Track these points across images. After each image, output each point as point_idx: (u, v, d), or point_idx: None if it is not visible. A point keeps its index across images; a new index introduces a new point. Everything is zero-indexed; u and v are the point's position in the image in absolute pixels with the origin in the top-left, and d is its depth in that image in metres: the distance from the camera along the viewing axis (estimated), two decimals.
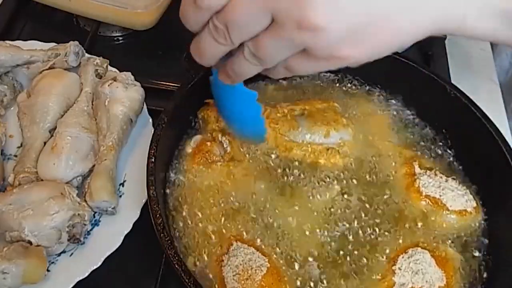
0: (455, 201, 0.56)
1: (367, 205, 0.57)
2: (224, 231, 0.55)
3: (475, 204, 0.57)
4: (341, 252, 0.54)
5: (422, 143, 0.64)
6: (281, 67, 0.40)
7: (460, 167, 0.62)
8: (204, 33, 0.39)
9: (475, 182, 0.60)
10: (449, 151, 0.63)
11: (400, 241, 0.54)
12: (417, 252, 0.53)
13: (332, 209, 0.57)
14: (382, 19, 0.36)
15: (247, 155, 0.61)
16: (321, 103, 0.64)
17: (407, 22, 0.37)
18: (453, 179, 0.59)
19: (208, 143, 0.61)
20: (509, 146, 0.56)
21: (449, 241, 0.55)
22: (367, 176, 0.60)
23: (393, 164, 0.61)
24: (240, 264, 0.51)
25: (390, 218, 0.56)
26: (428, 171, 0.59)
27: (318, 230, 0.55)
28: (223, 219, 0.56)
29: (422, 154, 0.63)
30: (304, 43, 0.36)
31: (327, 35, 0.35)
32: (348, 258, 0.53)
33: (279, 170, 0.59)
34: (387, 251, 0.54)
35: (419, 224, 0.56)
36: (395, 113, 0.66)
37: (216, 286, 0.51)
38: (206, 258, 0.53)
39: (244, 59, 0.40)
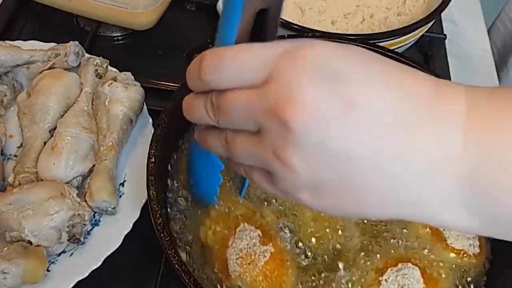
0: (457, 240, 0.54)
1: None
2: (232, 208, 0.55)
3: (478, 250, 0.55)
4: (336, 248, 0.54)
5: None
6: (242, 168, 0.38)
7: None
8: (199, 98, 0.37)
9: None
10: None
11: (393, 251, 0.54)
12: (407, 267, 0.52)
13: None
14: (353, 188, 0.33)
15: None
16: None
17: (376, 201, 0.34)
18: None
19: None
20: None
21: (444, 266, 0.54)
22: None
23: None
24: (244, 248, 0.51)
25: (391, 230, 0.55)
26: None
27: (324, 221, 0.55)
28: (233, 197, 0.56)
29: None
30: (271, 168, 0.34)
31: (295, 176, 0.33)
32: (339, 257, 0.53)
33: None
34: (378, 259, 0.53)
35: (417, 244, 0.55)
36: None
37: (219, 267, 0.51)
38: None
39: (218, 139, 0.38)
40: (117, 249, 0.59)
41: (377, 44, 0.67)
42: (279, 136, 0.32)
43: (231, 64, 0.33)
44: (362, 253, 0.54)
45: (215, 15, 0.82)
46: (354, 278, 0.52)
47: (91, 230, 0.62)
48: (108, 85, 0.68)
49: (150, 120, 0.71)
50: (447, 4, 0.80)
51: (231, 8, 0.36)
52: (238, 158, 0.37)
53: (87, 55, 0.76)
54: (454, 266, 0.54)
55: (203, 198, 0.56)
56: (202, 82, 0.35)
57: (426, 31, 0.84)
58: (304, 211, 0.55)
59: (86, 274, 0.57)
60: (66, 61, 0.73)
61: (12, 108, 0.73)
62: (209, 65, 0.34)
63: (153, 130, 0.56)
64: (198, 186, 0.55)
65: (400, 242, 0.55)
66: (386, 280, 0.51)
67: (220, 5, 0.82)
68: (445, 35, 0.91)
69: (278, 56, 0.32)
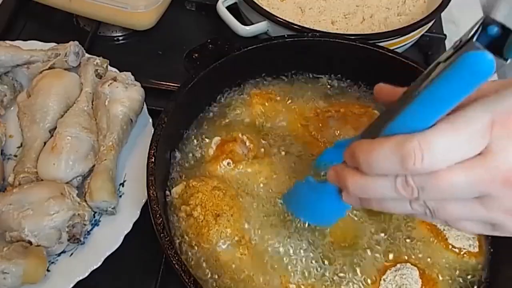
0: (457, 240, 0.55)
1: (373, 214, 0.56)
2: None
3: (477, 250, 0.55)
4: (335, 249, 0.54)
5: None
6: (443, 221, 0.40)
7: None
8: (383, 180, 0.37)
9: None
10: None
11: (391, 254, 0.54)
12: (406, 267, 0.52)
13: None
14: None
15: (271, 153, 0.60)
16: (358, 108, 0.64)
17: None
18: None
19: (230, 144, 0.60)
20: None
21: (444, 266, 0.54)
22: None
23: None
24: None
25: (391, 230, 0.55)
26: None
27: None
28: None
29: None
30: (498, 221, 0.37)
31: None
32: (339, 257, 0.53)
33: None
34: (378, 260, 0.53)
35: (417, 244, 0.55)
36: None
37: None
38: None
39: (407, 206, 0.38)
40: (117, 249, 0.59)
41: (377, 44, 0.66)
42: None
43: (440, 148, 0.34)
44: (362, 253, 0.54)
45: (215, 15, 0.82)
46: (353, 278, 0.52)
47: (91, 230, 0.62)
48: (108, 85, 0.68)
49: (150, 120, 0.71)
50: (447, 4, 0.80)
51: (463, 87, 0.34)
52: (452, 222, 0.39)
53: (87, 55, 0.76)
54: (453, 266, 0.54)
55: (316, 222, 0.55)
56: (406, 170, 0.35)
57: (426, 31, 0.84)
58: None
59: (86, 274, 0.57)
60: (66, 61, 0.73)
61: (12, 108, 0.73)
62: (423, 155, 0.34)
63: (153, 130, 0.56)
64: (314, 217, 0.54)
65: (400, 241, 0.55)
66: (384, 280, 0.52)
67: (220, 6, 0.81)
68: (445, 35, 0.91)
69: (488, 127, 0.34)
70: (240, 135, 0.61)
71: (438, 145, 0.34)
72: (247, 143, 0.60)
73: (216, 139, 0.62)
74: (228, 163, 0.58)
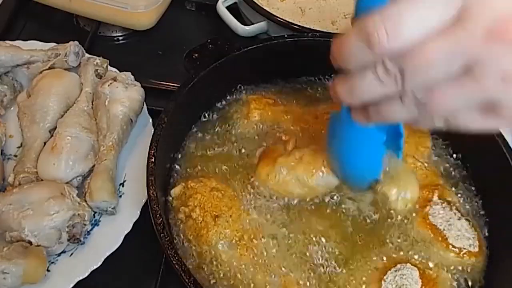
0: (457, 240, 0.54)
1: (373, 212, 0.56)
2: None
3: (477, 249, 0.55)
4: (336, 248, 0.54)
5: (454, 176, 0.61)
6: (441, 118, 0.35)
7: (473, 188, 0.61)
8: (365, 74, 0.34)
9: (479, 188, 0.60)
10: (476, 199, 0.60)
11: (392, 251, 0.54)
12: (406, 267, 0.52)
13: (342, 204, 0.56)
14: None
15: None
16: None
17: None
18: (467, 220, 0.56)
19: (270, 147, 0.59)
20: (509, 147, 0.56)
21: (444, 266, 0.54)
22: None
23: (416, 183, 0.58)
24: None
25: (391, 230, 0.55)
26: (445, 203, 0.57)
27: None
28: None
29: (449, 186, 0.60)
30: (496, 98, 0.32)
31: None
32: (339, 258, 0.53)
33: None
34: (377, 259, 0.53)
35: (417, 244, 0.55)
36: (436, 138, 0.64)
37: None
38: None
39: (401, 105, 0.35)
40: (117, 249, 0.59)
41: None
42: (504, 57, 0.30)
43: (404, 18, 0.31)
44: (362, 253, 0.54)
45: (215, 15, 0.82)
46: (353, 278, 0.52)
47: (91, 230, 0.62)
48: (108, 85, 0.68)
49: (150, 120, 0.71)
50: None
51: None
52: (445, 111, 0.34)
53: (87, 55, 0.76)
54: (453, 266, 0.54)
55: (363, 177, 0.54)
56: (375, 53, 0.32)
57: None
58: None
59: (86, 274, 0.57)
60: (66, 61, 0.73)
61: (12, 108, 0.73)
62: (387, 30, 0.31)
63: (153, 130, 0.56)
64: (358, 166, 0.52)
65: (400, 242, 0.55)
66: (384, 280, 0.52)
67: (221, 6, 0.82)
68: None
69: None
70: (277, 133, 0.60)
71: (401, 15, 0.31)
72: (283, 138, 0.59)
73: (260, 150, 0.60)
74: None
